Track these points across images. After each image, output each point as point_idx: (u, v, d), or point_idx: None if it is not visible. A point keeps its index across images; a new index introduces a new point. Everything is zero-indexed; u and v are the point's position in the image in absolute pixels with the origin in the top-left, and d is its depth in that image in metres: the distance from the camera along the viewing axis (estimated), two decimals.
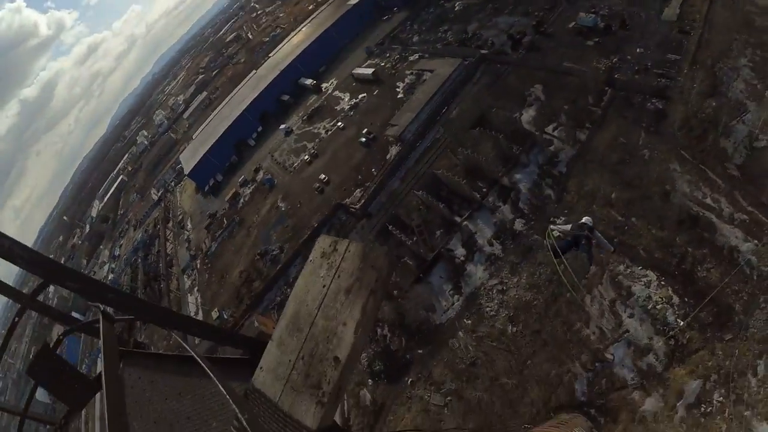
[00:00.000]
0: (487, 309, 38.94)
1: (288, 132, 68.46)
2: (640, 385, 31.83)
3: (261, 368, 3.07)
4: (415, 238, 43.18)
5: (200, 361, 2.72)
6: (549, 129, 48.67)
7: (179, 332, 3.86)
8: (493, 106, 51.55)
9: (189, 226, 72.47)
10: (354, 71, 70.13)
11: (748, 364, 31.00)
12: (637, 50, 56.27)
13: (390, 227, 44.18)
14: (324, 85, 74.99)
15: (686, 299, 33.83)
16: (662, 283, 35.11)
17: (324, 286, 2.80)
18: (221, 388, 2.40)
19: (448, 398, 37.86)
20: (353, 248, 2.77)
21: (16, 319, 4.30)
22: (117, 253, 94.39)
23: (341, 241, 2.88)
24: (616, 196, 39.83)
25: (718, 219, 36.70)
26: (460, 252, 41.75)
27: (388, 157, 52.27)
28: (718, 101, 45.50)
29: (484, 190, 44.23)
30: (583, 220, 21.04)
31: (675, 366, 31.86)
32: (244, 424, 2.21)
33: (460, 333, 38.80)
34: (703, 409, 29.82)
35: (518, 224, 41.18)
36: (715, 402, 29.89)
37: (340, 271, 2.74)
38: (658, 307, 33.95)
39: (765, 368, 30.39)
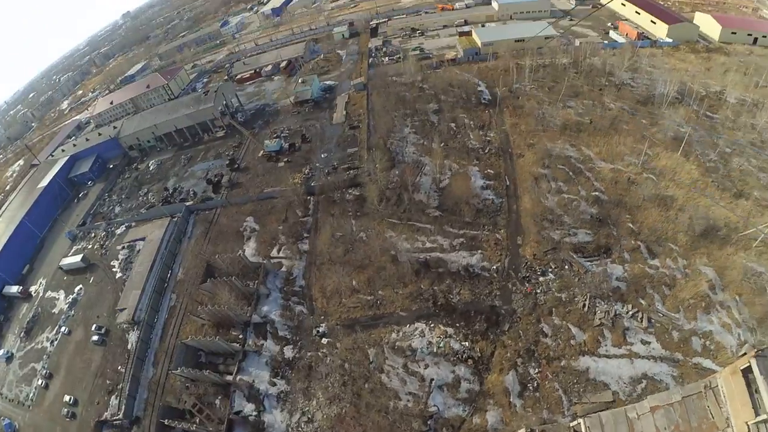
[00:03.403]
0: None
1: (9, 358, 53.06)
2: (473, 411, 34.81)
3: None
4: (197, 420, 37.57)
5: None
6: (274, 252, 51.53)
7: None
8: (215, 252, 51.76)
9: None
10: (61, 263, 59.77)
11: (536, 332, 37.80)
12: (322, 155, 66.70)
13: (166, 422, 37.31)
14: (33, 288, 61.38)
15: (457, 324, 39.62)
16: (431, 325, 40.20)
17: None
18: None
19: None
20: None
21: None
22: None
23: None
24: (357, 282, 44.23)
25: (443, 253, 45.05)
26: (249, 408, 38.13)
27: (129, 347, 44.88)
28: (400, 168, 57.37)
29: (240, 336, 42.47)
30: None
31: (486, 376, 36.17)
32: None
33: None
34: (530, 387, 34.34)
35: (288, 351, 40.77)
36: (534, 376, 35.14)
37: None
38: (441, 345, 38.46)
39: (549, 326, 37.58)
